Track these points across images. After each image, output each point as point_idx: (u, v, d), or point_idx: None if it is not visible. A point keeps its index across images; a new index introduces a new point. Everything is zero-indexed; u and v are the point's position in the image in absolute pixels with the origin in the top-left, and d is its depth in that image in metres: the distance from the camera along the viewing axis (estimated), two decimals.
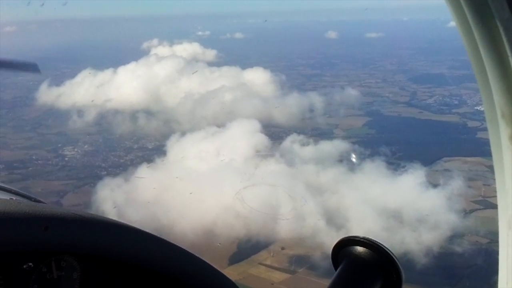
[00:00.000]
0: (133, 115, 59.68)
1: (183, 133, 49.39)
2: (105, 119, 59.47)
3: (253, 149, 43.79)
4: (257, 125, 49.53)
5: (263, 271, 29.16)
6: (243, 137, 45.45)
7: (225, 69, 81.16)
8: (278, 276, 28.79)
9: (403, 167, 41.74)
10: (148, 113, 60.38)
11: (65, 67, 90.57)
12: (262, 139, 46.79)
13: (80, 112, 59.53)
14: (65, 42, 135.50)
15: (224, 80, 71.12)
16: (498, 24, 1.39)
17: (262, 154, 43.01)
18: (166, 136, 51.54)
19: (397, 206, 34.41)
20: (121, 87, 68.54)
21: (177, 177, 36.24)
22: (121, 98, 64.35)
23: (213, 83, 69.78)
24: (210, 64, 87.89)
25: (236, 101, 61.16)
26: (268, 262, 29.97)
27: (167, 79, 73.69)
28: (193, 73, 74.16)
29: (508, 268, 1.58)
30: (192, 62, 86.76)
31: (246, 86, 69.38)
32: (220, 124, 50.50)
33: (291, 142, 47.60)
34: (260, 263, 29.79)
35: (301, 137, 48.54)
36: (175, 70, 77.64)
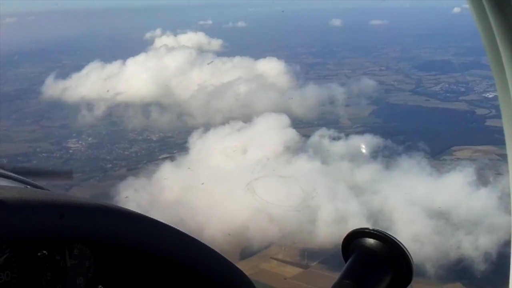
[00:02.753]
0: (143, 108, 58.67)
1: (204, 128, 47.60)
2: (112, 112, 58.64)
3: (282, 145, 42.15)
4: (285, 120, 47.57)
5: (275, 265, 28.75)
6: (271, 132, 43.58)
7: (237, 59, 78.87)
8: (290, 270, 28.38)
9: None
10: (159, 106, 59.03)
11: (66, 58, 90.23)
12: (291, 134, 44.84)
13: (84, 104, 58.67)
14: (65, 34, 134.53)
15: (236, 71, 69.54)
16: None
17: (292, 150, 41.63)
18: (180, 130, 51.14)
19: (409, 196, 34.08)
20: (130, 80, 66.91)
21: (189, 168, 35.60)
22: (130, 91, 62.82)
23: (225, 74, 68.13)
24: (217, 54, 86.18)
25: (251, 93, 59.72)
26: (280, 257, 29.56)
27: (178, 71, 71.67)
28: (208, 64, 72.73)
29: None
30: (199, 52, 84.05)
31: (261, 77, 67.94)
32: (237, 117, 49.28)
33: (320, 137, 46.06)
34: (271, 258, 29.38)
35: (331, 131, 47.04)
36: (186, 61, 75.56)
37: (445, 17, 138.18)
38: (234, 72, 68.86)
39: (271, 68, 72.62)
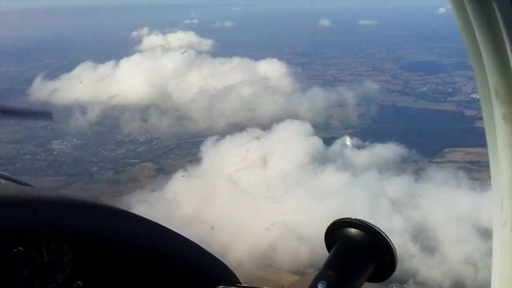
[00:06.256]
0: (137, 111, 57.05)
1: (219, 136, 45.12)
2: (102, 114, 57.10)
3: (306, 154, 39.90)
4: (308, 127, 45.11)
5: (271, 272, 28.16)
6: (292, 140, 40.92)
7: (236, 60, 76.51)
8: (287, 278, 27.77)
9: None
10: (156, 109, 57.25)
11: (49, 58, 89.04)
12: (314, 143, 42.40)
13: (73, 107, 56.97)
14: (47, 32, 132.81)
15: (235, 72, 67.87)
16: (493, 0, 1.39)
17: (317, 160, 39.63)
18: (181, 136, 50.42)
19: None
20: (124, 81, 65.14)
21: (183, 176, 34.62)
22: (125, 94, 61.09)
23: (224, 76, 66.08)
24: (209, 54, 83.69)
25: (254, 97, 58.12)
26: (275, 264, 28.86)
27: (176, 72, 68.94)
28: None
29: (502, 265, 1.60)
30: (197, 53, 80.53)
31: (263, 80, 66.10)
32: (241, 122, 48.42)
33: (341, 146, 44.28)
34: (268, 265, 28.72)
35: (354, 140, 45.29)
36: (183, 63, 72.37)
37: (431, 17, 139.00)
38: (233, 73, 67.29)
39: (271, 69, 71.28)
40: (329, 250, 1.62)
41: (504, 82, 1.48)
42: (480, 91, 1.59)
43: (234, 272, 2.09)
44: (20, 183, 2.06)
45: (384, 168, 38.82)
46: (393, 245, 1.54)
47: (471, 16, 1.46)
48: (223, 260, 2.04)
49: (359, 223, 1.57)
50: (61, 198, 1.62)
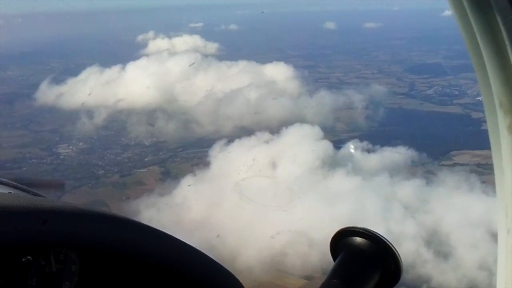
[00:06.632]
0: (144, 115, 57.10)
1: (227, 140, 44.21)
2: (108, 118, 57.08)
3: (316, 158, 39.02)
4: (317, 131, 44.42)
5: (279, 277, 27.92)
6: (301, 144, 40.40)
7: (242, 64, 76.09)
8: (294, 282, 27.57)
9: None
10: (163, 113, 57.11)
11: (54, 61, 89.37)
12: (324, 147, 41.53)
13: (79, 111, 56.99)
14: (52, 36, 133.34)
15: (242, 76, 67.56)
16: (496, 13, 1.41)
17: (327, 164, 38.94)
18: (187, 139, 50.30)
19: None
20: (128, 85, 65.12)
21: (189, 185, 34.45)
22: (131, 98, 60.85)
23: (231, 80, 65.69)
24: (214, 58, 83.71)
25: (261, 100, 57.59)
26: (284, 268, 28.63)
27: (183, 76, 68.80)
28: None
29: (507, 271, 1.61)
30: (203, 57, 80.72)
31: (270, 83, 65.73)
32: (249, 126, 48.08)
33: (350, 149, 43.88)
34: (276, 269, 28.36)
35: (364, 143, 44.75)
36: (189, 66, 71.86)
37: (436, 20, 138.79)
38: (239, 77, 67.17)
39: (278, 73, 70.77)
40: (334, 259, 1.62)
41: (508, 93, 1.51)
42: (484, 101, 1.62)
43: (241, 277, 2.09)
44: (29, 192, 2.09)
45: (393, 171, 38.58)
46: (398, 254, 1.54)
47: (475, 28, 1.48)
48: (228, 268, 2.03)
49: (364, 232, 1.58)
50: (70, 208, 1.63)
